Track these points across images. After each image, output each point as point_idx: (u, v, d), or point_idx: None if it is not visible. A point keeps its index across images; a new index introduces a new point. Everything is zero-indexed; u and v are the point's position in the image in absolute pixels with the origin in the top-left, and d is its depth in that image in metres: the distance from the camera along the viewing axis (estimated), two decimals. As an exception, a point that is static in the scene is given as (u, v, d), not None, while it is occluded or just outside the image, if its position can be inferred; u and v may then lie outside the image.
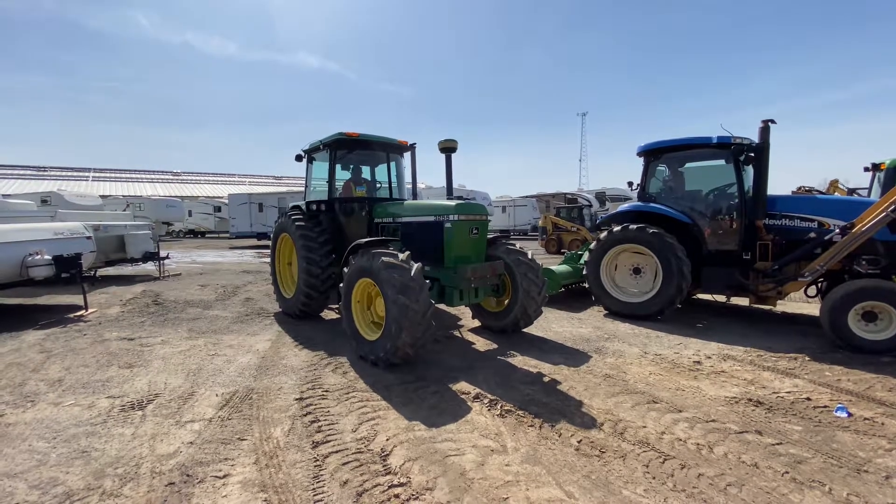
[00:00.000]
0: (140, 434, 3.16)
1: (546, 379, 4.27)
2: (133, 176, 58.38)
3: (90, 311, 7.15)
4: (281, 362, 4.73)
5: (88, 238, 7.97)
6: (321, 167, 6.76)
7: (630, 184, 7.77)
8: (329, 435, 3.14)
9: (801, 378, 4.26)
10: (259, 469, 2.74)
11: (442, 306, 5.39)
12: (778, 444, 3.03)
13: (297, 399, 3.76)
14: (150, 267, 12.11)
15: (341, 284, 4.94)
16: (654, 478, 2.64)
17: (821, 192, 7.95)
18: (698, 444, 3.03)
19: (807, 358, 4.81)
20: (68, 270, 6.90)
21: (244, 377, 4.29)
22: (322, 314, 6.98)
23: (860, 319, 4.96)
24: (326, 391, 3.94)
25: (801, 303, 7.69)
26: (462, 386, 4.08)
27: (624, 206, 7.53)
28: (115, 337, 5.69)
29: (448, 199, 5.45)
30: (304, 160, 7.09)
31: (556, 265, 8.29)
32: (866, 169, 8.75)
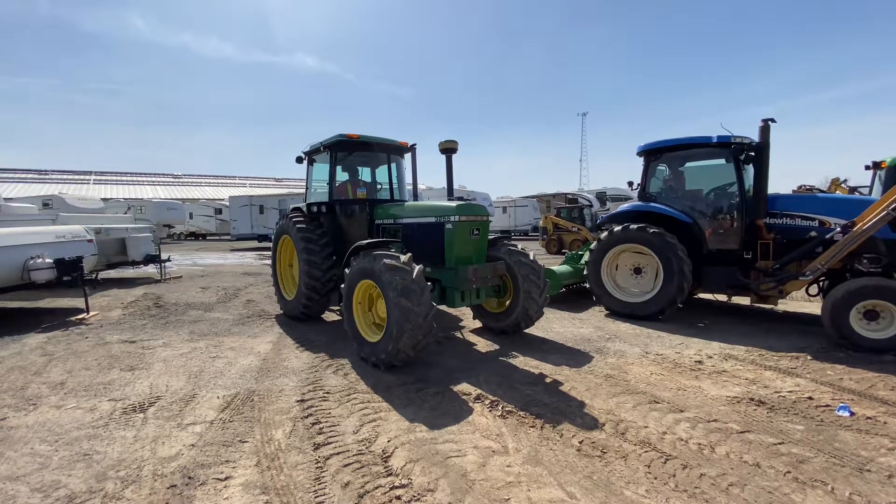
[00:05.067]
0: (142, 437, 3.17)
1: (547, 379, 4.27)
2: (134, 179, 58.55)
3: (92, 314, 7.17)
4: (282, 364, 4.74)
5: (90, 241, 7.99)
6: (322, 169, 6.77)
7: (630, 183, 7.77)
8: (330, 437, 3.15)
9: (803, 377, 4.25)
10: (261, 471, 2.74)
11: (443, 307, 5.39)
12: (780, 443, 3.03)
13: (298, 401, 3.76)
14: (151, 269, 12.13)
15: (342, 286, 4.95)
16: (655, 478, 2.64)
17: (822, 191, 7.94)
18: (700, 444, 3.03)
19: (808, 357, 4.80)
20: (70, 273, 6.92)
21: (245, 379, 4.29)
22: (323, 316, 6.98)
23: (862, 318, 4.95)
24: (328, 393, 3.94)
25: (803, 302, 7.68)
26: (463, 387, 4.08)
27: (624, 206, 7.53)
28: (116, 340, 5.70)
29: (449, 200, 5.46)
30: (305, 162, 7.10)
31: (557, 265, 8.29)
32: (867, 167, 8.74)
